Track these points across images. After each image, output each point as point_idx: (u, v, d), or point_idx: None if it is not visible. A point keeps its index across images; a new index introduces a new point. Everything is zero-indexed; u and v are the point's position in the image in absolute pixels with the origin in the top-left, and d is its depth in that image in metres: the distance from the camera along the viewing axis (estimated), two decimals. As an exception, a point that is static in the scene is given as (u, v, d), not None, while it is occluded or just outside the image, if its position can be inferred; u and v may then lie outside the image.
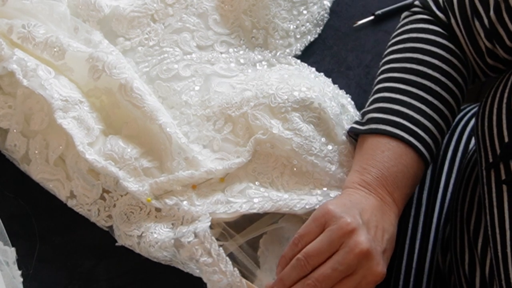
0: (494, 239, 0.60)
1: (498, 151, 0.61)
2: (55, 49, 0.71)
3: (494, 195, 0.61)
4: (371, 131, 0.67)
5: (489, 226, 0.61)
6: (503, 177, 0.60)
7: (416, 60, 0.68)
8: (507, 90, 0.62)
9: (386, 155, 0.65)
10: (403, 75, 0.69)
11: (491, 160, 0.62)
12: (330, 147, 0.69)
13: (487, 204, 0.62)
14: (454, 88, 0.69)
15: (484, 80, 0.74)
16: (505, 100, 0.61)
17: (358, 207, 0.60)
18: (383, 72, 0.71)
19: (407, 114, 0.67)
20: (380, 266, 0.57)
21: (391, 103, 0.68)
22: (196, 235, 0.62)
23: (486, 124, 0.63)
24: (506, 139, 0.60)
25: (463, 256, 0.70)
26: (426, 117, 0.67)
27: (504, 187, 0.59)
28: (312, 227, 0.59)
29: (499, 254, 0.59)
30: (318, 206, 0.64)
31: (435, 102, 0.67)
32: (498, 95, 0.63)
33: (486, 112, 0.63)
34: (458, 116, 0.90)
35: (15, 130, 0.71)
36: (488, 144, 0.63)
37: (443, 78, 0.68)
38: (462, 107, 0.92)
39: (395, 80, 0.69)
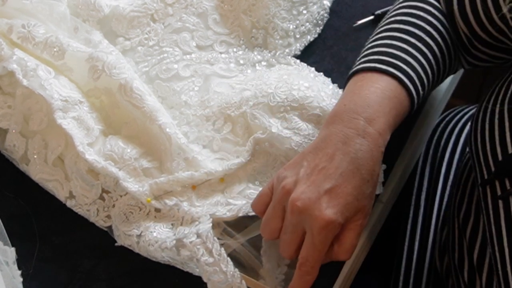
0: (494, 257, 0.60)
1: (493, 168, 0.60)
2: (55, 49, 0.71)
3: (491, 211, 0.60)
4: (349, 77, 0.65)
5: (489, 244, 0.60)
6: (499, 193, 0.59)
7: (405, 21, 0.67)
8: (498, 105, 0.60)
9: (359, 85, 0.62)
10: (387, 27, 0.67)
11: (486, 177, 0.61)
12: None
13: (485, 221, 0.61)
14: (439, 39, 0.66)
15: (467, 68, 0.73)
16: (497, 116, 0.60)
17: (308, 155, 0.59)
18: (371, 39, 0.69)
19: (385, 52, 0.64)
20: (320, 212, 0.55)
21: (369, 49, 0.66)
22: (198, 236, 0.62)
23: (479, 139, 0.62)
24: (500, 157, 0.59)
25: (462, 263, 0.69)
26: (406, 53, 0.64)
27: (500, 203, 0.58)
28: (265, 191, 0.61)
29: (500, 272, 0.58)
30: None
31: (418, 44, 0.65)
32: (489, 109, 0.61)
33: (479, 128, 0.62)
34: (456, 117, 0.90)
35: (14, 130, 0.71)
36: (482, 160, 0.61)
37: (428, 28, 0.66)
38: (460, 108, 0.92)
39: (381, 33, 0.67)
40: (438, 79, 0.67)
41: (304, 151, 0.60)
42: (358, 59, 0.66)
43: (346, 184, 0.56)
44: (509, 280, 0.57)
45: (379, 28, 0.69)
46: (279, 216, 0.58)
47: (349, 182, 0.56)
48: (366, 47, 0.67)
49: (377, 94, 0.60)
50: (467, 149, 0.84)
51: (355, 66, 0.65)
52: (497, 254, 0.59)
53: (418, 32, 0.65)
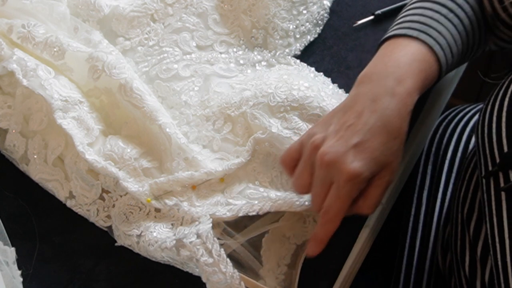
0: (494, 248, 0.60)
1: (498, 160, 0.60)
2: (55, 49, 0.71)
3: (493, 203, 0.60)
4: (380, 43, 0.66)
5: (489, 235, 0.61)
6: (502, 184, 0.59)
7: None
8: (507, 98, 0.61)
9: (390, 48, 0.64)
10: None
11: (490, 169, 0.61)
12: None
13: (487, 212, 0.61)
14: (471, 13, 0.67)
15: (495, 49, 0.73)
16: (505, 108, 0.60)
17: (338, 113, 0.60)
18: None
19: (416, 21, 0.65)
20: (346, 165, 0.56)
21: (400, 18, 0.68)
22: (198, 236, 0.62)
23: (486, 131, 0.62)
24: (505, 149, 0.59)
25: (463, 257, 0.69)
26: (437, 22, 0.65)
27: (503, 195, 0.59)
28: (294, 146, 0.62)
29: (499, 263, 0.59)
30: None
31: (450, 15, 0.66)
32: (498, 102, 0.62)
33: (486, 120, 0.63)
34: (458, 116, 0.90)
35: (14, 130, 0.71)
36: (487, 152, 0.62)
37: (460, 1, 0.67)
38: (462, 107, 0.92)
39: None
40: (467, 52, 0.68)
41: (334, 109, 0.62)
42: (390, 27, 0.68)
43: (373, 140, 0.58)
44: (508, 271, 0.57)
45: (412, 1, 0.70)
46: (308, 171, 0.60)
47: (376, 137, 0.58)
48: (399, 17, 0.69)
49: (408, 57, 0.62)
50: (470, 148, 0.84)
51: (387, 33, 0.66)
52: (497, 245, 0.59)
53: (450, 4, 0.66)
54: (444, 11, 0.66)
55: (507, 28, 0.68)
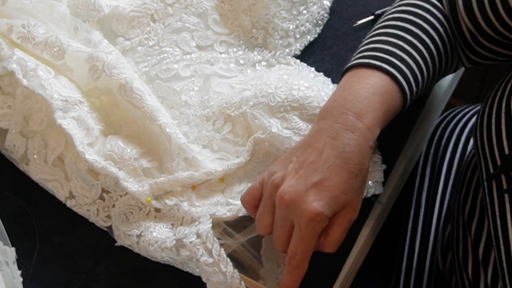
0: (498, 250, 0.60)
1: (499, 162, 0.60)
2: (55, 49, 0.71)
3: (496, 205, 0.60)
4: (342, 73, 0.65)
5: (493, 237, 0.60)
6: (505, 187, 0.59)
7: (401, 19, 0.67)
8: (504, 100, 0.61)
9: (351, 81, 0.62)
10: (384, 24, 0.68)
11: (492, 171, 0.61)
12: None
13: (490, 214, 0.61)
14: (436, 37, 0.66)
15: (468, 67, 0.73)
16: (503, 110, 0.60)
17: (298, 151, 0.59)
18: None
19: (380, 48, 0.64)
20: (307, 205, 0.55)
21: (364, 45, 0.66)
22: (198, 236, 0.62)
23: (485, 134, 0.62)
24: (506, 151, 0.59)
25: (466, 260, 0.69)
26: (400, 49, 0.64)
27: (506, 197, 0.58)
28: (255, 185, 0.61)
29: (504, 265, 0.59)
30: None
31: (414, 41, 0.65)
32: (496, 104, 0.62)
33: (485, 122, 0.62)
34: (457, 117, 0.90)
35: (14, 130, 0.71)
36: (488, 155, 0.61)
37: (425, 25, 0.66)
38: (460, 108, 0.92)
39: (376, 30, 0.68)
40: (434, 77, 0.67)
41: (294, 146, 0.61)
42: (353, 55, 0.67)
43: (333, 178, 0.56)
44: None
45: (376, 26, 0.69)
46: (270, 212, 0.59)
47: (337, 175, 0.57)
48: (362, 44, 0.68)
49: (368, 90, 0.61)
50: (469, 149, 0.84)
51: (349, 62, 0.65)
52: (502, 247, 0.59)
53: (414, 29, 0.65)
54: (408, 37, 0.65)
55: (491, 43, 0.67)
